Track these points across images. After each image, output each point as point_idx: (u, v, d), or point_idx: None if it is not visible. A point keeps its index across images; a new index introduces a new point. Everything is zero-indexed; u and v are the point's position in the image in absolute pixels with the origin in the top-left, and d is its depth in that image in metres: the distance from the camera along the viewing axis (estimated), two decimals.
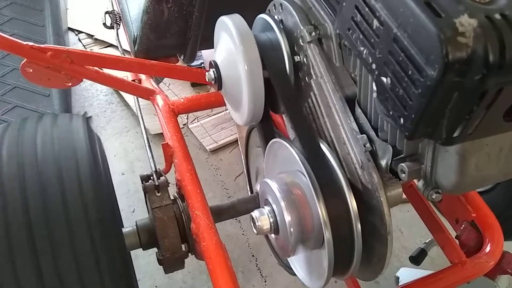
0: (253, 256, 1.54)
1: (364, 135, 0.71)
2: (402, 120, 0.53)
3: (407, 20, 0.48)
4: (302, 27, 0.77)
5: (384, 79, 0.54)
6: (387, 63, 0.53)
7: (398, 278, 1.44)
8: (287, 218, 0.75)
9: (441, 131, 0.52)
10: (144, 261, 1.46)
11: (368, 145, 0.70)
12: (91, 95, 2.11)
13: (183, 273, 1.45)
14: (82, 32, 2.41)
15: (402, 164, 0.65)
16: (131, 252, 1.01)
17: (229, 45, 0.84)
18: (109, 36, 2.27)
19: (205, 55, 2.11)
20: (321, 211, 0.71)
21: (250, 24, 0.86)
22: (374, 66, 0.55)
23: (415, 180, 1.11)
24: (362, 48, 0.57)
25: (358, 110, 0.73)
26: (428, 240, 1.31)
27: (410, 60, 0.49)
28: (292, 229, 0.75)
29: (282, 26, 0.83)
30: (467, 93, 0.47)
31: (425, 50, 0.47)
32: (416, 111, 0.50)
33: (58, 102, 1.82)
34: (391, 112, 0.55)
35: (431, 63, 0.46)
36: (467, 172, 0.61)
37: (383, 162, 0.69)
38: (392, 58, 0.51)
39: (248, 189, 1.26)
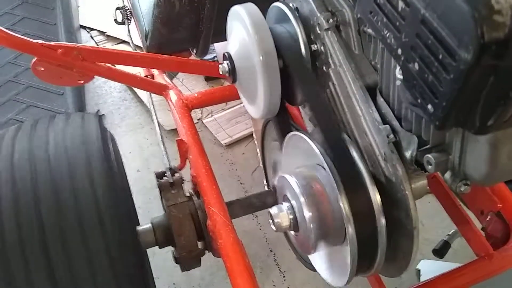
0: (271, 251, 1.52)
1: (387, 125, 0.68)
2: (432, 109, 0.50)
3: None
4: (318, 14, 0.75)
5: (411, 64, 0.50)
6: (415, 47, 0.49)
7: (419, 271, 1.40)
8: (307, 214, 0.72)
9: (475, 120, 0.48)
10: (161, 258, 1.45)
11: (391, 136, 0.67)
12: (105, 92, 2.11)
13: (200, 270, 1.43)
14: (94, 29, 2.40)
15: (428, 155, 0.62)
16: (148, 250, 0.99)
17: (243, 36, 0.82)
18: (121, 32, 2.26)
19: (218, 48, 2.08)
20: (343, 206, 0.68)
21: (264, 13, 0.83)
22: (399, 51, 0.52)
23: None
24: (386, 32, 0.54)
25: (380, 99, 0.70)
26: (451, 232, 1.27)
27: (440, 43, 0.45)
28: (312, 226, 0.72)
29: (297, 14, 0.80)
30: (504, 77, 0.44)
31: (457, 31, 0.43)
32: (447, 98, 0.46)
33: (72, 101, 1.82)
34: (419, 100, 0.52)
35: (465, 45, 0.42)
36: (499, 162, 0.57)
37: (407, 154, 0.66)
38: (420, 42, 0.48)
39: (265, 183, 1.23)
